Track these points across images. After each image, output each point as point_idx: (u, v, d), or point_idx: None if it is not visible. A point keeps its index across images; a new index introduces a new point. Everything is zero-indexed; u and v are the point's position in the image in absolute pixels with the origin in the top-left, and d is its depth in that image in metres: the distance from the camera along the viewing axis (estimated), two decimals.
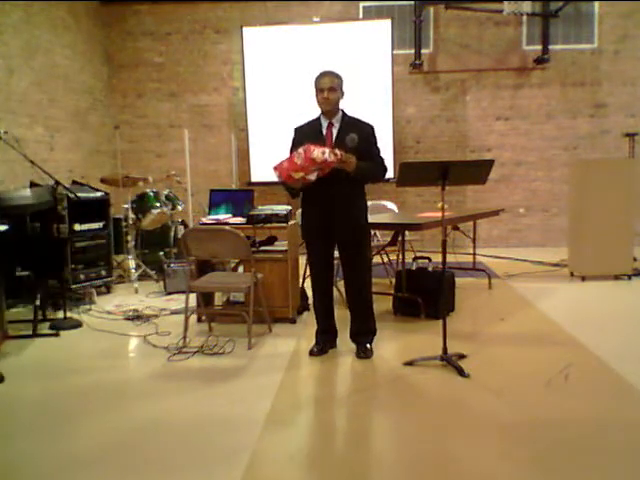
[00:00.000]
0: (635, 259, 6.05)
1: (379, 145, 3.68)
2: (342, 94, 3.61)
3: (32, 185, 5.33)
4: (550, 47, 8.10)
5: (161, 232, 6.48)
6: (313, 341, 3.82)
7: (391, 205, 6.87)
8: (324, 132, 3.58)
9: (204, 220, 4.69)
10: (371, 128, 3.63)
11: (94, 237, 5.50)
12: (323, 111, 3.60)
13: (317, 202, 3.59)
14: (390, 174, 7.62)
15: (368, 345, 3.75)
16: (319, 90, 3.54)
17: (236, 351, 3.83)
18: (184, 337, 3.99)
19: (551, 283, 5.86)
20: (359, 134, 3.52)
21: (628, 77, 8.17)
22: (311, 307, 3.94)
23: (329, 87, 3.51)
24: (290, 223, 4.49)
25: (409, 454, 2.47)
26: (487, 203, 8.34)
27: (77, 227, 5.30)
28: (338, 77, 3.57)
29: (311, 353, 3.73)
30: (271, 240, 4.59)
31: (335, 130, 3.58)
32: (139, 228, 6.27)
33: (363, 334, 3.77)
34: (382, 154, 3.66)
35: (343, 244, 3.67)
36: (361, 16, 8.23)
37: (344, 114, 3.63)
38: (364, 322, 3.78)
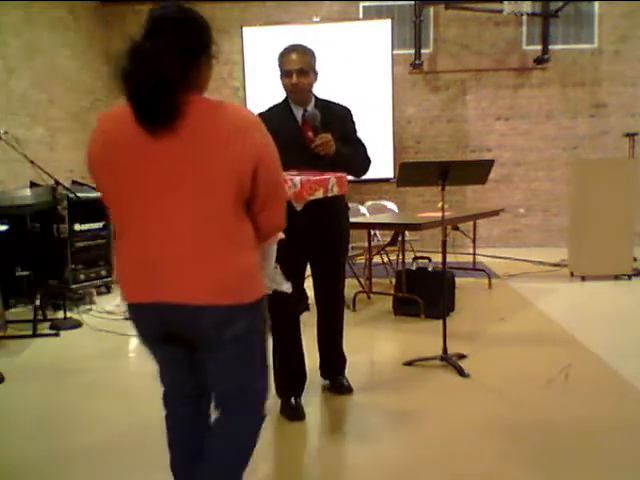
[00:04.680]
0: (635, 259, 6.05)
1: (359, 128, 2.98)
2: (316, 76, 2.79)
3: (32, 185, 5.33)
4: (550, 47, 8.10)
5: None
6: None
7: (391, 205, 6.88)
8: (299, 121, 2.80)
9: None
10: (348, 111, 2.94)
11: (94, 237, 5.50)
12: (292, 99, 2.82)
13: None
14: (390, 174, 7.70)
15: (340, 377, 3.15)
16: (285, 73, 2.73)
17: None
18: None
19: (551, 283, 5.86)
20: (335, 119, 2.83)
21: (628, 77, 8.17)
22: (311, 307, 3.85)
23: (299, 69, 2.70)
24: None
25: (409, 454, 2.47)
26: (487, 203, 8.34)
27: (77, 227, 5.29)
28: (309, 53, 2.76)
29: (293, 418, 2.80)
30: None
31: None
32: None
33: (340, 364, 3.16)
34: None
35: (319, 258, 2.93)
36: (361, 16, 8.23)
37: (316, 99, 2.87)
38: (338, 349, 3.14)
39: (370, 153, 2.98)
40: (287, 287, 2.04)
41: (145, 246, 1.52)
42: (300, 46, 2.75)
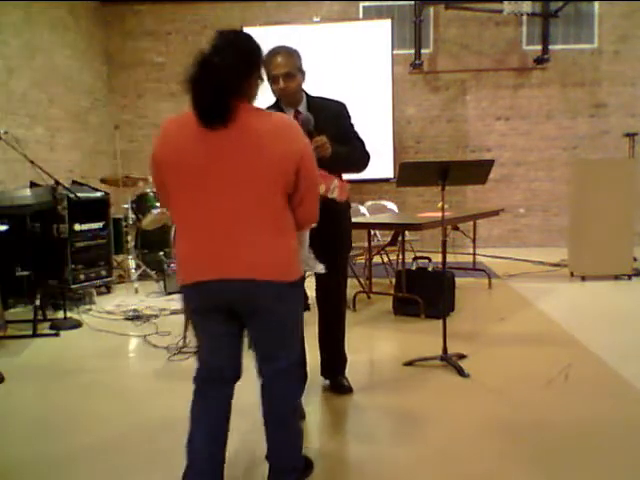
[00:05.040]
0: (635, 259, 6.06)
1: (358, 128, 2.94)
2: (303, 76, 2.71)
3: (32, 185, 5.33)
4: (550, 47, 8.11)
5: (161, 232, 6.48)
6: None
7: (391, 205, 6.88)
8: None
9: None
10: (342, 106, 2.89)
11: (94, 237, 5.50)
12: (282, 102, 2.77)
13: None
14: (390, 174, 7.70)
15: (340, 376, 3.16)
16: (273, 77, 2.63)
17: None
18: (184, 337, 3.99)
19: (551, 283, 5.86)
20: (329, 117, 2.76)
21: (628, 77, 8.18)
22: (312, 307, 3.84)
23: (285, 73, 2.62)
24: None
25: (409, 454, 2.47)
26: (487, 203, 8.34)
27: (77, 227, 5.29)
28: (294, 54, 2.67)
29: None
30: None
31: None
32: (139, 228, 6.28)
33: (341, 364, 3.18)
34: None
35: (320, 257, 2.84)
36: (361, 16, 8.23)
37: (308, 97, 2.81)
38: (338, 349, 3.15)
39: (370, 153, 2.94)
40: (321, 268, 2.31)
41: (205, 232, 1.82)
42: (283, 48, 2.66)
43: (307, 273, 2.90)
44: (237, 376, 2.06)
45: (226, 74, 1.74)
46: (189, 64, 1.77)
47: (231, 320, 1.93)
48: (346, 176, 2.88)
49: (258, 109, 1.85)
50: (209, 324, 1.95)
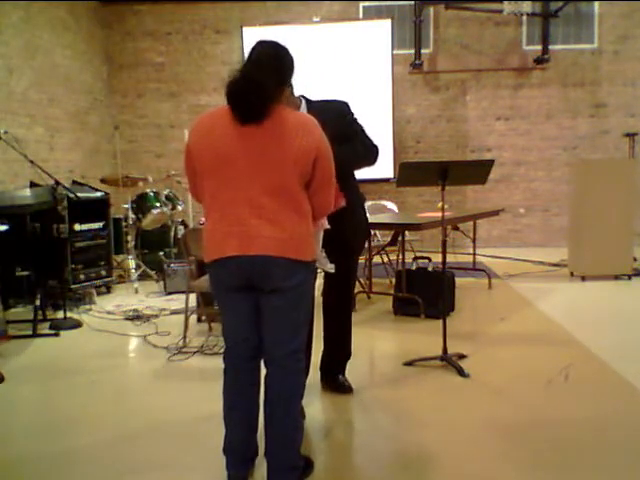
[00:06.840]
0: (635, 259, 6.05)
1: (363, 123, 2.90)
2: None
3: (32, 185, 5.33)
4: (550, 47, 8.11)
5: (161, 232, 6.49)
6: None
7: (391, 205, 6.88)
8: None
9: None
10: (344, 104, 2.86)
11: (94, 237, 5.50)
12: None
13: None
14: (390, 174, 7.70)
15: (341, 376, 3.15)
16: None
17: None
18: (184, 337, 3.99)
19: (551, 283, 5.86)
20: (330, 119, 2.46)
21: (628, 77, 8.18)
22: (315, 306, 3.76)
23: None
24: None
25: (408, 454, 2.47)
26: (487, 203, 8.34)
27: (77, 227, 5.29)
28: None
29: None
30: None
31: None
32: (139, 228, 6.27)
33: (342, 362, 3.18)
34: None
35: (329, 250, 2.62)
36: (361, 16, 8.23)
37: (308, 101, 2.74)
38: (341, 348, 3.16)
39: (378, 145, 2.90)
40: (330, 267, 2.45)
41: (229, 212, 2.02)
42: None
43: (318, 271, 2.91)
44: (261, 349, 2.17)
45: (263, 83, 1.96)
46: (231, 70, 2.00)
47: (252, 298, 2.09)
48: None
49: (286, 109, 2.06)
50: (233, 300, 2.12)
